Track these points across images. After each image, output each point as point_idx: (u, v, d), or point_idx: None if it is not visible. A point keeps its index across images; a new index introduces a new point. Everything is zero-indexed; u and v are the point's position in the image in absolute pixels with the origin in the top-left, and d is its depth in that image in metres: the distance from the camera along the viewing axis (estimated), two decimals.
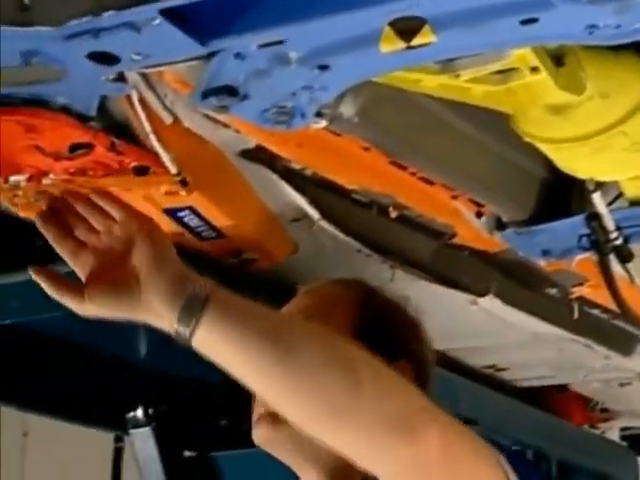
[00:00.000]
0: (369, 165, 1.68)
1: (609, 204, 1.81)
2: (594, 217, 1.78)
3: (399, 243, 2.08)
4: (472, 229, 1.93)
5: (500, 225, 1.90)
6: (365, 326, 1.50)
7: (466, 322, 2.51)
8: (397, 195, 1.84)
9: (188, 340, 1.26)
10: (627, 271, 1.94)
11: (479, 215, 1.88)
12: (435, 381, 2.84)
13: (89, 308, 1.32)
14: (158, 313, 1.28)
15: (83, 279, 1.31)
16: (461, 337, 2.68)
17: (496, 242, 1.99)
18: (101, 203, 1.33)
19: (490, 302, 2.34)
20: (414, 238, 2.05)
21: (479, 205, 1.86)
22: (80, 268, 1.32)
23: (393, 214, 1.90)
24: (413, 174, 1.72)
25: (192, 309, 1.25)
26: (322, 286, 1.56)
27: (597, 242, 1.82)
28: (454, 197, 1.82)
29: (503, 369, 3.03)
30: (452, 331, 2.60)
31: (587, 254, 1.90)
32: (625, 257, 1.86)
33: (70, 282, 1.31)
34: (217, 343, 1.25)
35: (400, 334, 1.57)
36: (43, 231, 1.34)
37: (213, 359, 1.26)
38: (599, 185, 1.76)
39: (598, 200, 1.73)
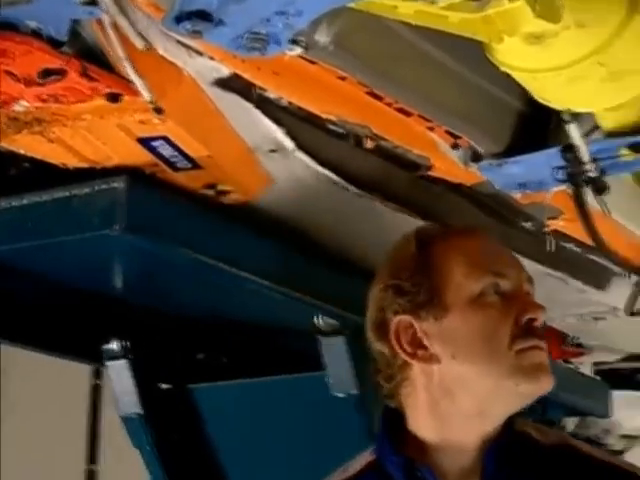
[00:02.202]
0: (345, 95, 1.68)
1: (585, 136, 1.81)
2: (569, 149, 1.78)
3: (375, 175, 2.08)
4: (448, 161, 1.93)
5: (476, 157, 1.89)
6: None
7: None
8: (373, 126, 1.83)
9: None
10: (602, 204, 1.94)
11: (455, 147, 1.88)
12: None
13: None
14: None
15: None
16: None
17: (472, 175, 1.99)
18: None
19: None
20: (390, 170, 2.05)
21: (455, 137, 1.85)
22: None
23: (369, 145, 1.90)
24: (389, 104, 1.71)
25: None
26: None
27: (572, 174, 1.82)
28: (430, 128, 1.82)
29: None
30: None
31: (562, 186, 1.91)
32: (600, 189, 1.87)
33: None
34: None
35: None
36: None
37: None
38: (575, 116, 1.76)
39: (574, 131, 1.73)
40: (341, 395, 2.70)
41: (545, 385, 1.60)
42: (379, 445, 1.70)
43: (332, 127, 1.89)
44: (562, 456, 1.64)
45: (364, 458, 1.73)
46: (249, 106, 1.82)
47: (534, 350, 1.60)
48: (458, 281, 1.62)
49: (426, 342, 1.62)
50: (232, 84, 1.75)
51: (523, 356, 1.60)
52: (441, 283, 1.63)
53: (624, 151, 1.79)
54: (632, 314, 2.70)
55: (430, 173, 2.04)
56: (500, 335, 1.60)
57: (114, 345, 2.73)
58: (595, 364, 4.00)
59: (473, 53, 1.61)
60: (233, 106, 1.82)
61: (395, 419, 1.67)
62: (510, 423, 1.63)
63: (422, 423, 1.65)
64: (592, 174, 1.82)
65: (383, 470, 1.66)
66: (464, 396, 1.62)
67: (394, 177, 2.09)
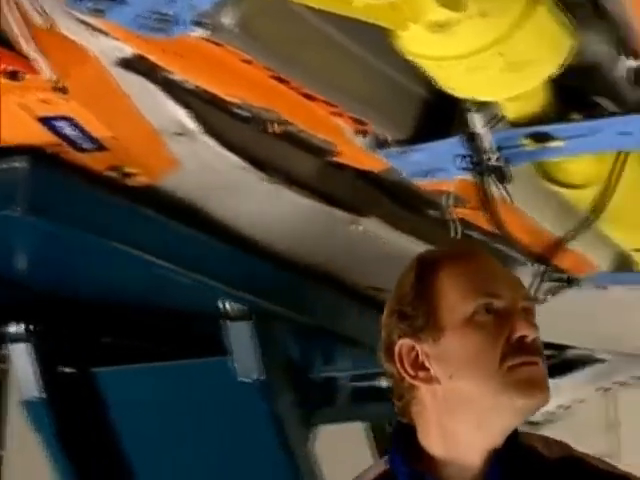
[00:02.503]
0: (250, 78, 1.67)
1: (488, 125, 1.83)
2: (472, 138, 1.79)
3: (282, 159, 2.08)
4: (354, 147, 1.94)
5: (381, 144, 1.90)
6: None
7: (349, 243, 2.52)
8: (279, 110, 1.82)
9: None
10: (506, 192, 1.97)
11: (360, 133, 1.88)
12: (318, 300, 2.88)
13: None
14: None
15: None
16: (343, 257, 2.71)
17: (378, 162, 1.99)
18: None
19: (372, 223, 2.36)
20: (295, 155, 2.05)
21: (361, 123, 1.85)
22: None
23: (275, 129, 1.89)
24: (294, 89, 1.71)
25: None
26: None
27: (475, 163, 1.84)
28: (336, 114, 1.82)
29: (385, 290, 3.06)
30: (335, 252, 2.62)
31: (466, 175, 1.93)
32: (503, 178, 1.89)
33: None
34: None
35: None
36: None
37: None
38: (479, 105, 1.77)
39: (477, 120, 1.75)
40: (246, 380, 2.70)
41: (539, 400, 1.67)
42: (392, 457, 1.77)
43: (238, 111, 1.88)
44: (567, 469, 1.72)
45: (378, 467, 1.80)
46: (154, 88, 1.80)
47: (525, 366, 1.67)
48: (452, 304, 1.70)
49: (427, 364, 1.70)
50: (136, 65, 1.73)
51: (514, 372, 1.67)
52: (437, 307, 1.70)
53: (526, 141, 1.82)
54: (536, 302, 2.74)
55: (337, 159, 2.04)
56: (491, 353, 1.68)
57: (16, 328, 2.69)
58: None
59: (379, 40, 1.62)
60: (138, 88, 1.80)
61: (408, 434, 1.74)
62: (515, 437, 1.70)
63: (430, 439, 1.73)
64: (495, 163, 1.84)
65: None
66: (464, 414, 1.70)
67: (300, 162, 2.09)
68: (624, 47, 1.64)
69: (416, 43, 1.54)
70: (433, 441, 1.74)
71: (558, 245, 2.48)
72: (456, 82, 1.64)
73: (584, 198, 2.12)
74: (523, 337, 1.69)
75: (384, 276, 2.90)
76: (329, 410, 3.63)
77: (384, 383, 3.50)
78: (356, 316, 3.01)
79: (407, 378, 1.72)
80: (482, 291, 1.71)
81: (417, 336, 1.72)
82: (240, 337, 2.67)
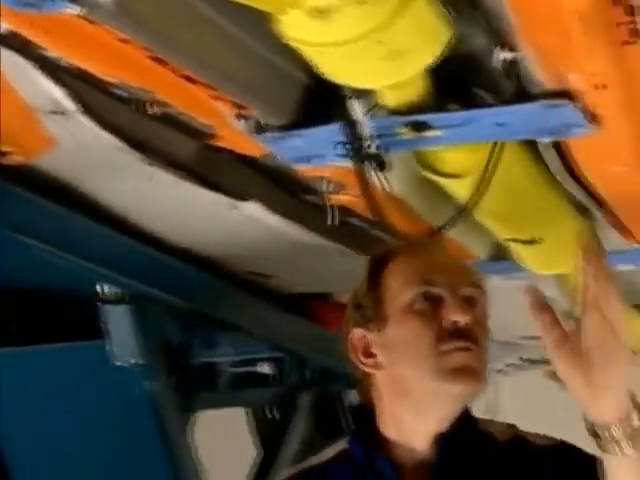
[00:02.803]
0: (127, 58, 1.64)
1: (369, 112, 1.83)
2: (352, 124, 1.79)
3: (159, 141, 2.05)
4: (233, 131, 1.92)
5: (260, 128, 1.89)
6: None
7: (228, 227, 2.52)
8: (156, 91, 1.80)
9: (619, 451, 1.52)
10: (384, 180, 1.98)
11: (240, 117, 1.87)
12: (197, 284, 2.86)
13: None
14: (610, 400, 1.51)
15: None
16: (224, 243, 2.70)
17: (257, 146, 1.98)
18: None
19: (252, 207, 2.36)
20: (175, 137, 2.03)
21: (240, 107, 1.84)
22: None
23: (152, 111, 1.87)
24: (173, 70, 1.69)
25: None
26: None
27: (353, 150, 1.84)
28: (215, 97, 1.80)
29: (267, 276, 3.06)
30: (215, 236, 2.61)
31: (344, 161, 1.93)
32: (381, 166, 1.90)
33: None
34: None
35: None
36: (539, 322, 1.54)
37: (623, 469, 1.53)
38: (357, 92, 1.78)
39: (355, 107, 1.75)
40: (123, 364, 2.68)
41: (471, 387, 1.77)
42: (351, 437, 1.89)
43: (116, 91, 1.85)
44: (515, 449, 1.82)
45: (339, 446, 1.90)
46: (28, 65, 1.76)
47: (458, 352, 1.77)
48: (394, 294, 1.82)
49: (374, 351, 1.82)
50: (9, 41, 1.69)
51: (447, 358, 1.77)
52: (383, 297, 1.83)
53: (404, 129, 1.83)
54: None
55: (217, 142, 2.03)
56: (426, 339, 1.78)
57: None
58: None
59: (259, 23, 1.60)
60: (11, 64, 1.75)
61: (368, 416, 1.85)
62: (467, 422, 1.82)
63: (384, 423, 1.84)
64: (373, 151, 1.85)
65: (353, 459, 1.85)
66: (406, 400, 1.81)
67: (180, 144, 2.07)
68: (499, 39, 1.66)
69: (295, 28, 1.53)
70: (386, 425, 1.84)
71: (436, 234, 2.50)
72: (335, 69, 1.63)
73: (461, 188, 2.14)
74: (457, 322, 1.79)
75: (264, 261, 2.91)
76: (209, 395, 3.62)
77: (264, 369, 3.50)
78: (236, 301, 3.01)
79: (359, 365, 1.84)
80: (420, 280, 1.82)
81: (367, 325, 1.84)
82: (118, 320, 2.65)
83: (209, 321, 3.02)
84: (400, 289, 1.83)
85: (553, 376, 4.76)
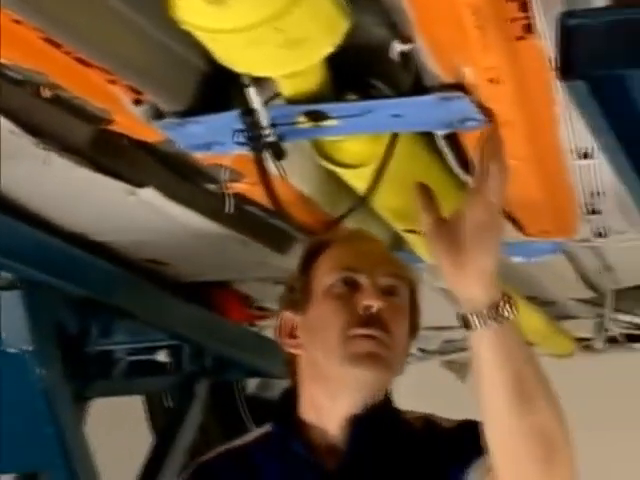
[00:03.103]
0: (20, 39, 1.61)
1: (268, 101, 1.83)
2: (249, 112, 1.79)
3: (54, 125, 2.02)
4: (130, 117, 1.90)
5: (158, 115, 1.87)
6: (410, 308, 2.00)
7: (125, 214, 2.49)
8: (51, 74, 1.77)
9: (484, 323, 1.60)
10: (280, 169, 1.98)
11: (137, 103, 1.85)
12: (93, 271, 2.82)
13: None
14: (475, 283, 1.60)
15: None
16: (121, 230, 2.67)
17: (155, 132, 1.97)
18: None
19: (149, 194, 2.34)
20: (70, 121, 2.00)
21: (137, 92, 1.82)
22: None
23: (46, 94, 1.84)
24: (67, 53, 1.66)
25: (505, 306, 1.61)
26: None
27: (251, 138, 1.84)
28: (111, 82, 1.78)
29: (164, 263, 3.04)
30: (111, 223, 2.58)
31: (243, 150, 1.92)
32: (278, 154, 1.89)
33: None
34: (507, 337, 1.61)
35: (418, 323, 2.03)
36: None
37: (485, 346, 1.61)
38: (256, 81, 1.77)
39: (253, 95, 1.74)
40: (14, 350, 2.64)
41: (370, 373, 1.86)
42: (273, 419, 1.98)
43: (9, 73, 1.82)
44: (425, 433, 1.92)
45: (264, 429, 1.99)
46: None
47: (363, 338, 1.85)
48: (319, 278, 1.93)
49: (297, 333, 1.93)
50: None
51: (352, 343, 1.85)
52: (310, 282, 1.94)
53: (301, 118, 1.83)
54: None
55: (113, 127, 2.00)
56: (336, 322, 1.87)
57: None
58: None
59: (157, 8, 1.59)
60: None
61: (291, 399, 1.95)
62: (388, 410, 1.93)
63: (303, 404, 1.93)
64: (271, 139, 1.85)
65: (273, 441, 1.94)
66: (320, 382, 1.89)
67: (75, 129, 2.04)
68: (397, 31, 1.68)
69: (192, 14, 1.52)
70: (306, 407, 1.92)
71: (334, 224, 2.51)
72: (232, 56, 1.63)
73: (359, 178, 2.15)
74: (369, 308, 1.87)
75: (162, 249, 2.89)
76: (105, 383, 3.59)
77: (162, 357, 3.48)
78: (133, 289, 2.98)
79: (283, 345, 1.96)
80: (343, 266, 1.92)
81: (295, 308, 1.95)
82: (8, 306, 2.61)
83: (106, 309, 2.98)
84: (324, 274, 1.92)
85: (451, 367, 4.84)
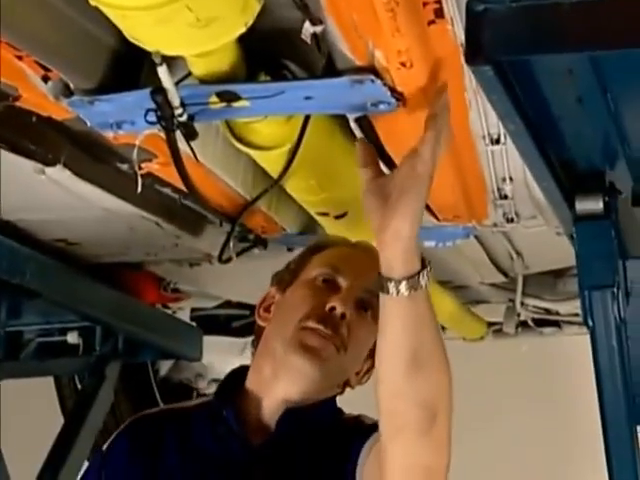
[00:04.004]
0: None
1: (180, 80, 1.81)
2: (159, 91, 1.77)
3: None
4: (38, 93, 1.87)
5: (67, 92, 1.84)
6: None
7: (34, 193, 2.45)
8: None
9: (397, 290, 1.61)
10: (191, 149, 1.96)
11: (45, 79, 1.82)
12: (1, 253, 2.77)
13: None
14: (392, 245, 1.60)
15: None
16: (30, 209, 2.63)
17: (65, 110, 1.94)
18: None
19: (59, 173, 2.30)
20: None
21: (46, 69, 1.79)
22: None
23: None
24: None
25: (421, 277, 1.62)
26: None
27: (162, 118, 1.82)
28: (19, 57, 1.74)
29: (74, 244, 3.01)
30: (20, 202, 2.54)
31: (154, 129, 1.90)
32: (190, 135, 1.88)
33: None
34: (418, 306, 1.63)
35: None
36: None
37: (395, 311, 1.63)
38: (167, 59, 1.75)
39: (163, 74, 1.72)
40: None
41: (305, 364, 1.94)
42: (216, 388, 2.10)
43: None
44: (349, 427, 2.01)
45: (206, 397, 2.14)
46: None
47: (314, 332, 1.94)
48: (308, 268, 2.06)
49: (272, 308, 2.07)
50: None
51: (301, 333, 1.95)
52: (300, 269, 2.08)
53: (213, 99, 1.81)
54: (223, 261, 2.78)
55: (20, 104, 1.96)
56: (300, 310, 1.97)
57: None
58: (193, 310, 4.09)
59: None
60: None
61: (240, 374, 2.07)
62: (327, 409, 2.03)
63: (251, 372, 2.04)
64: (182, 119, 1.83)
65: (210, 409, 2.04)
66: (267, 356, 2.00)
67: None
68: (308, 12, 1.67)
69: None
70: (252, 374, 2.03)
71: (247, 206, 2.51)
72: (142, 34, 1.61)
73: (271, 160, 2.15)
74: (333, 308, 1.97)
75: (72, 229, 2.86)
76: (14, 365, 3.55)
77: (71, 338, 3.45)
78: (41, 269, 2.94)
79: (256, 317, 2.10)
80: (330, 264, 2.05)
81: (279, 286, 2.09)
82: None
83: (14, 289, 2.93)
84: (314, 266, 2.06)
85: None
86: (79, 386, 4.03)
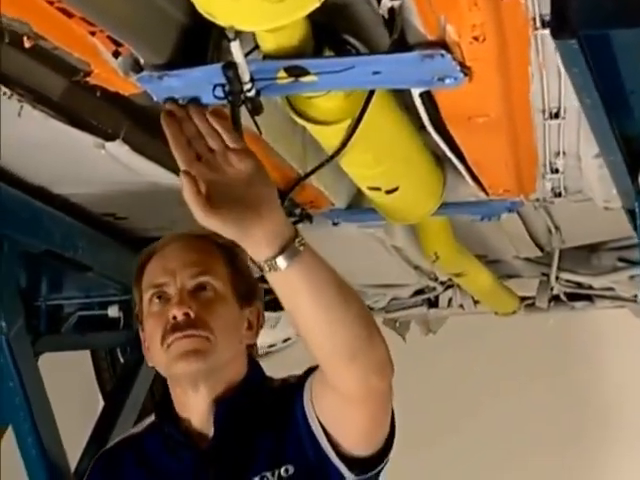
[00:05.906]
0: None
1: (248, 55, 1.82)
2: (231, 66, 1.79)
3: (29, 76, 2.00)
4: (108, 68, 1.89)
5: (137, 67, 1.86)
6: (234, 280, 2.16)
7: (92, 167, 2.48)
8: (33, 23, 1.75)
9: (278, 268, 1.69)
10: (256, 124, 1.98)
11: (116, 55, 1.84)
12: (50, 226, 2.80)
13: (213, 218, 1.68)
14: (260, 239, 1.68)
15: (193, 189, 1.66)
16: (84, 182, 2.65)
17: (131, 85, 1.96)
18: (218, 127, 1.71)
19: (118, 147, 2.32)
20: (46, 73, 1.98)
21: (117, 44, 1.81)
22: (192, 177, 1.66)
23: (27, 44, 1.81)
24: (51, 3, 1.64)
25: (296, 246, 1.69)
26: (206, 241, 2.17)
27: (231, 92, 1.84)
28: (92, 33, 1.76)
29: (122, 218, 3.03)
30: (77, 176, 2.57)
31: (221, 104, 1.92)
32: (255, 109, 1.90)
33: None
34: (305, 277, 1.71)
35: (254, 282, 2.20)
36: (165, 127, 1.71)
37: (286, 286, 1.73)
38: (237, 34, 1.77)
39: (236, 49, 1.73)
40: None
41: (189, 366, 2.08)
42: (155, 410, 2.26)
43: None
44: (280, 393, 2.15)
45: (151, 419, 2.27)
46: None
47: (177, 341, 2.08)
48: (144, 296, 2.16)
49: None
50: None
51: (170, 349, 2.09)
52: (140, 298, 2.19)
53: (281, 74, 1.83)
54: None
55: (90, 80, 1.98)
56: (156, 338, 2.11)
57: None
58: None
59: None
60: None
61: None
62: (254, 385, 2.17)
63: (174, 403, 2.20)
64: (251, 94, 1.85)
65: (158, 428, 2.22)
66: (173, 383, 2.19)
67: (49, 80, 2.03)
68: None
69: None
70: (175, 404, 2.18)
71: (300, 180, 2.53)
72: (216, 9, 1.63)
73: (330, 135, 2.17)
74: (175, 317, 2.09)
75: (122, 202, 2.88)
76: (55, 338, 3.58)
77: (112, 312, 3.48)
78: (90, 242, 2.97)
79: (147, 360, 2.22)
80: (152, 283, 2.15)
81: (140, 325, 2.21)
82: None
83: (59, 262, 2.96)
84: (145, 291, 2.16)
85: (391, 325, 4.86)
86: (121, 359, 4.07)
